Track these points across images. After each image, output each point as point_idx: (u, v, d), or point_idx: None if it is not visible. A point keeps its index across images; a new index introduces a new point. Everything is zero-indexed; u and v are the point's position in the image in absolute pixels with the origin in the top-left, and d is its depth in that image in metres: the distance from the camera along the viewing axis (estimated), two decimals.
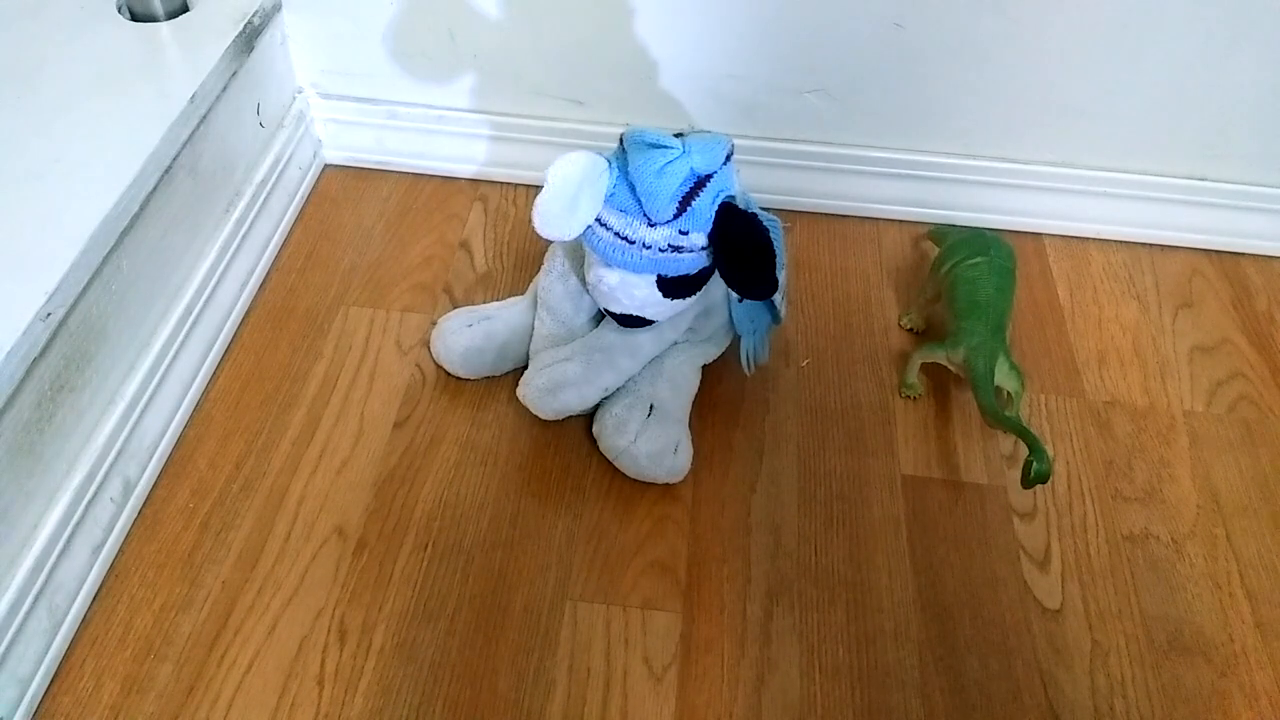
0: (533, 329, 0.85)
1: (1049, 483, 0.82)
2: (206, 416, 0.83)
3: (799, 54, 0.94)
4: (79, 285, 0.67)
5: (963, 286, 0.85)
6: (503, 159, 1.05)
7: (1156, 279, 1.02)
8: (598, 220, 0.72)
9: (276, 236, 0.97)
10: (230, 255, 0.88)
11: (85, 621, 0.71)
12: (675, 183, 0.69)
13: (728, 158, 0.71)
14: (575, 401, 0.80)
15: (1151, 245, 1.05)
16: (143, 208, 0.74)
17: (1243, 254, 1.05)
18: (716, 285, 0.77)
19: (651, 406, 0.80)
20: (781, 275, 0.81)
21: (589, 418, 0.83)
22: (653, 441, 0.78)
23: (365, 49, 0.98)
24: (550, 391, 0.80)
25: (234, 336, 0.89)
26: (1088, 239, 1.06)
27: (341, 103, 1.02)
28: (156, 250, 0.78)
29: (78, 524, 0.70)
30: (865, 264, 1.01)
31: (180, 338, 0.81)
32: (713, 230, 0.71)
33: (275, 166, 0.95)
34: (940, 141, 1.00)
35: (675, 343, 0.83)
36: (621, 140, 0.71)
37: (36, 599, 0.66)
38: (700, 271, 0.74)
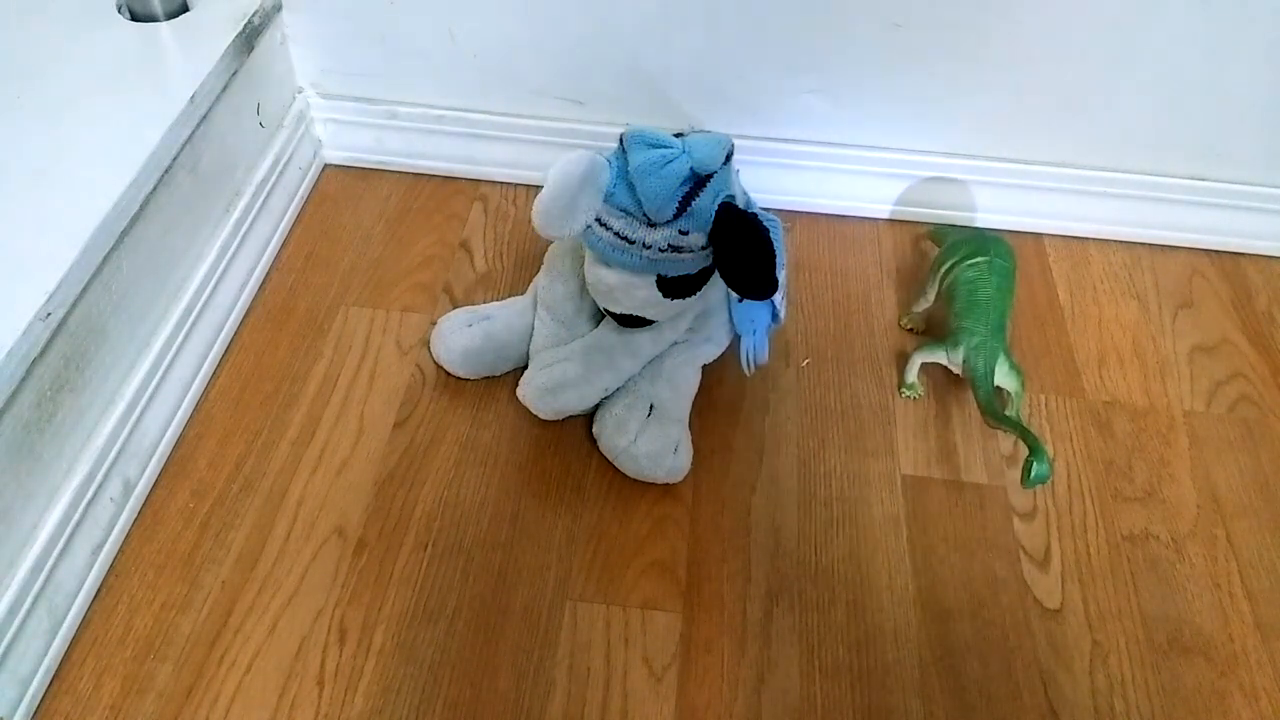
0: (533, 329, 0.85)
1: (1049, 483, 0.82)
2: (206, 416, 0.83)
3: (799, 54, 0.94)
4: (79, 285, 0.67)
5: (963, 286, 0.85)
6: (503, 159, 1.05)
7: (1156, 279, 1.02)
8: (598, 220, 0.72)
9: (276, 236, 0.97)
10: (230, 255, 0.88)
11: (85, 621, 0.71)
12: (675, 183, 0.69)
13: (728, 158, 0.71)
14: (575, 402, 0.80)
15: (1151, 245, 1.05)
16: (143, 208, 0.74)
17: (1243, 254, 1.05)
18: (716, 285, 0.77)
19: (651, 406, 0.80)
20: (781, 275, 0.81)
21: (589, 418, 0.83)
22: (653, 441, 0.78)
23: (365, 49, 0.98)
24: (550, 391, 0.80)
25: (234, 336, 0.89)
26: (1088, 239, 1.06)
27: (341, 103, 1.02)
28: (156, 250, 0.78)
29: (78, 524, 0.70)
30: (865, 264, 1.01)
31: (180, 338, 0.81)
32: (713, 230, 0.71)
33: (275, 166, 0.95)
34: (940, 141, 1.00)
35: (675, 343, 0.83)
36: (621, 140, 0.71)
37: (36, 599, 0.66)
38: (700, 271, 0.74)
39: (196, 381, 0.84)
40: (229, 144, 0.88)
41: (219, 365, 0.87)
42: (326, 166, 1.07)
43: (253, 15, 0.88)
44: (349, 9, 0.95)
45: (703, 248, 0.72)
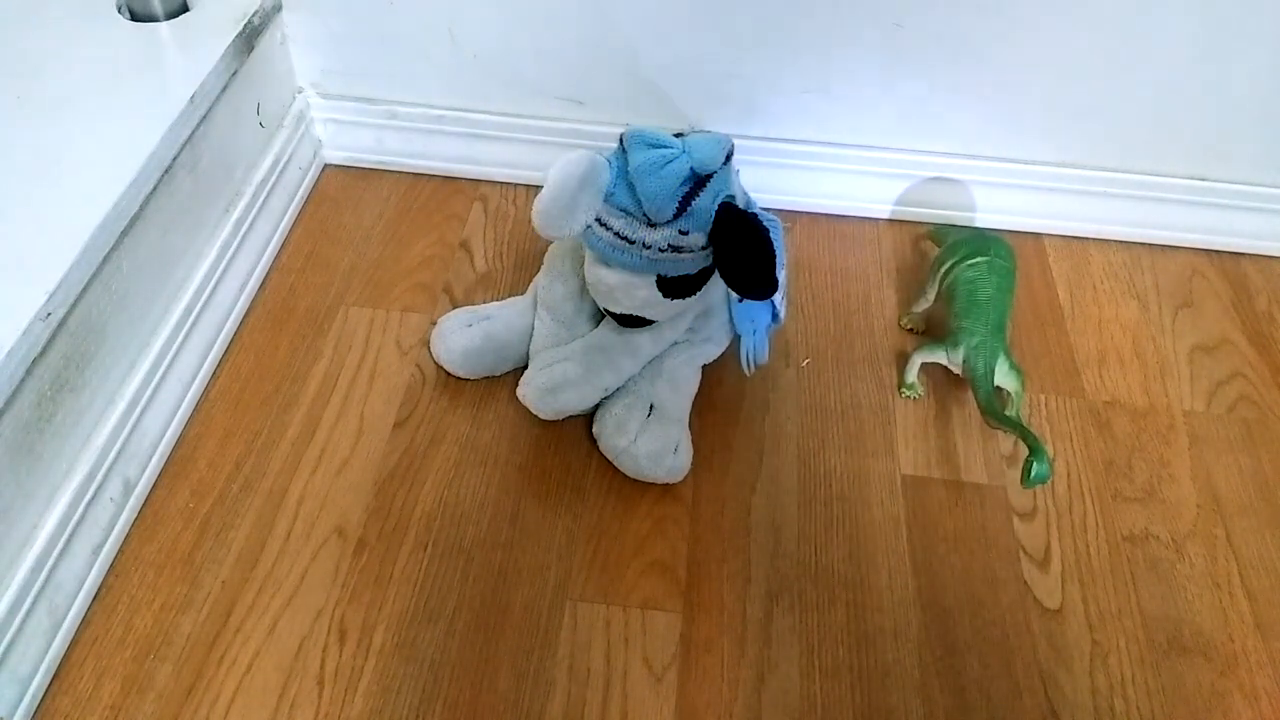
0: (533, 329, 0.85)
1: (1049, 483, 0.82)
2: (206, 416, 0.83)
3: (799, 54, 0.94)
4: (79, 285, 0.67)
5: (963, 286, 0.85)
6: (503, 159, 1.05)
7: (1156, 279, 1.02)
8: (598, 220, 0.72)
9: (276, 236, 0.97)
10: (230, 255, 0.88)
11: (85, 621, 0.71)
12: (675, 183, 0.69)
13: (728, 158, 0.71)
14: (575, 402, 0.80)
15: (1151, 245, 1.05)
16: (143, 208, 0.74)
17: (1243, 254, 1.05)
18: (716, 285, 0.77)
19: (651, 406, 0.80)
20: (781, 275, 0.81)
21: (589, 418, 0.83)
22: (653, 441, 0.78)
23: (365, 49, 0.98)
24: (550, 391, 0.80)
25: (234, 336, 0.89)
26: (1088, 239, 1.06)
27: (341, 103, 1.02)
28: (156, 250, 0.78)
29: (78, 524, 0.70)
30: (865, 264, 1.01)
31: (180, 338, 0.81)
32: (713, 230, 0.71)
33: (275, 166, 0.95)
34: (940, 141, 1.00)
35: (675, 343, 0.83)
36: (621, 140, 0.71)
37: (36, 599, 0.66)
38: (700, 271, 0.74)
39: (196, 381, 0.84)
40: (229, 144, 0.88)
41: (219, 365, 0.87)
42: (326, 166, 1.07)
43: (253, 15, 0.88)
44: (349, 9, 0.95)
45: (703, 248, 0.72)
